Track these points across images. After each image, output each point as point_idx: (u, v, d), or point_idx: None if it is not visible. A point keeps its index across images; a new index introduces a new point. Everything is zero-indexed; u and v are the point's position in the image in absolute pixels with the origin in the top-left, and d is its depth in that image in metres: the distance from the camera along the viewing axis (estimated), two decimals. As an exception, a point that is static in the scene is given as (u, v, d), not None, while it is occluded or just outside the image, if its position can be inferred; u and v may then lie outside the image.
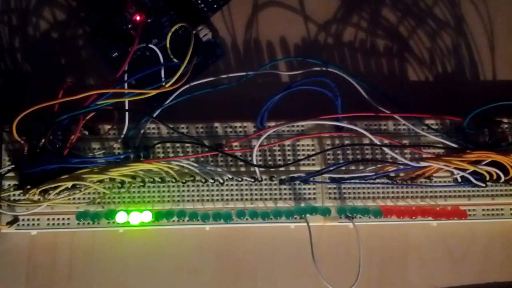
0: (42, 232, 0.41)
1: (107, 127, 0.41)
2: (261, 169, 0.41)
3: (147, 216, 0.40)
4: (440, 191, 0.42)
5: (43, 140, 0.38)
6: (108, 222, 0.40)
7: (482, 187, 0.41)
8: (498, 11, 0.46)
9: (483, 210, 0.42)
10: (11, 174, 0.41)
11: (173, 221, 0.41)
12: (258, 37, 0.45)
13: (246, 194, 0.41)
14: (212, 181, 0.41)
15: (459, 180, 0.41)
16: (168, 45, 0.39)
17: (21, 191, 0.39)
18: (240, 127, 0.42)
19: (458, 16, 0.46)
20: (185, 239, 0.43)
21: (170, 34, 0.39)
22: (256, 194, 0.41)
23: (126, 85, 0.38)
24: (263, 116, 0.40)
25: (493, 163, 0.38)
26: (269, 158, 0.42)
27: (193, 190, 0.41)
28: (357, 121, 0.40)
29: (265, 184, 0.41)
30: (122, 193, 0.41)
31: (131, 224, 0.40)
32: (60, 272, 0.42)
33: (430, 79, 0.45)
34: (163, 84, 0.38)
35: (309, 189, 0.41)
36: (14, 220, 0.41)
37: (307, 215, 0.41)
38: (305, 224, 0.40)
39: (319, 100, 0.39)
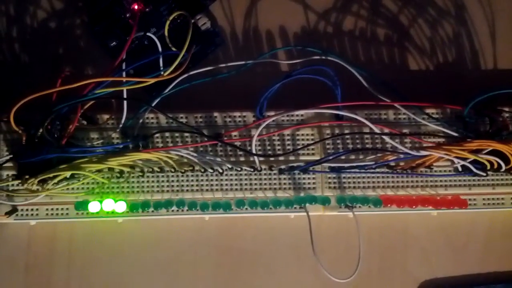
0: (41, 222, 0.41)
1: (106, 116, 0.41)
2: (261, 158, 0.41)
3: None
4: (441, 180, 0.41)
5: (41, 130, 0.38)
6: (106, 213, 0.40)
7: (483, 176, 0.40)
8: (498, -1, 0.46)
9: (483, 199, 0.42)
10: (10, 164, 0.40)
11: (172, 210, 0.41)
12: (257, 26, 0.45)
13: (246, 184, 0.41)
14: (211, 170, 0.41)
15: (460, 169, 0.41)
16: (166, 33, 0.39)
17: (19, 181, 0.39)
18: (239, 116, 0.42)
19: (459, 4, 0.46)
20: (184, 229, 0.42)
21: (168, 22, 0.39)
22: (255, 184, 0.41)
23: (124, 74, 0.38)
24: (263, 105, 0.40)
25: (493, 152, 0.38)
26: (268, 147, 0.41)
27: (192, 180, 0.41)
28: (357, 110, 0.40)
29: (265, 174, 0.41)
30: (121, 183, 0.40)
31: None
32: (59, 262, 0.42)
33: (430, 68, 0.45)
34: (162, 73, 0.38)
35: (308, 178, 0.41)
36: (13, 210, 0.40)
37: (307, 204, 0.41)
38: (305, 213, 0.40)
39: (319, 89, 0.38)
